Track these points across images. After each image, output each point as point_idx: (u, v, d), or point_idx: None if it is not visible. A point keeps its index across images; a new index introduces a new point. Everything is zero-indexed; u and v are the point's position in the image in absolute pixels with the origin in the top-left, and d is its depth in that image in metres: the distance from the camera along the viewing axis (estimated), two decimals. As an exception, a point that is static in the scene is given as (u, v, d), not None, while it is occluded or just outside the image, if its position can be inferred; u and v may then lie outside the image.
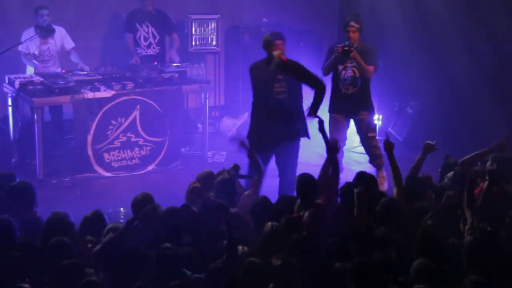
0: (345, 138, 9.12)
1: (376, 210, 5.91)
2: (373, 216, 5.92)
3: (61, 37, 9.66)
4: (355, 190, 5.95)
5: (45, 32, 9.50)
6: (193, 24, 10.83)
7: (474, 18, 9.92)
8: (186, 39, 10.84)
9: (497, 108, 9.73)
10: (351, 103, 8.79)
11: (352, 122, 9.07)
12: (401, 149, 10.33)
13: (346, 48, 8.56)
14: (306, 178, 6.37)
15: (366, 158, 9.69)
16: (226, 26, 11.34)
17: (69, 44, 9.73)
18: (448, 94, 10.38)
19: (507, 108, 9.63)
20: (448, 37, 10.31)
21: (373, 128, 9.01)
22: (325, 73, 8.85)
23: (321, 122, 6.62)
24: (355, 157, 10.06)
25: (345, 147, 10.11)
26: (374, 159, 9.09)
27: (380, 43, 10.27)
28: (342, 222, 5.79)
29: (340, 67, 8.76)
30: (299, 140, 7.87)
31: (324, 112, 9.06)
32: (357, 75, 8.72)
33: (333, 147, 6.67)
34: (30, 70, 9.66)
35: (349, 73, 8.75)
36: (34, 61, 9.59)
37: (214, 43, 10.93)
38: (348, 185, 6.30)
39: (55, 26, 9.55)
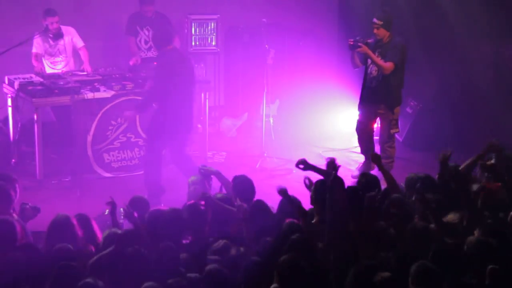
0: (372, 129, 9.25)
1: (383, 209, 5.89)
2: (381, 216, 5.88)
3: (71, 37, 9.76)
4: (366, 194, 5.89)
5: (53, 38, 9.62)
6: (193, 24, 10.81)
7: (474, 19, 9.92)
8: (186, 39, 10.84)
9: (497, 107, 9.74)
10: (373, 96, 8.92)
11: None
12: (401, 149, 10.42)
13: (351, 43, 8.68)
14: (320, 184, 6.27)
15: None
16: (226, 26, 11.34)
17: (79, 43, 9.82)
18: (448, 95, 10.42)
19: (507, 108, 9.61)
20: (448, 37, 10.33)
21: (394, 124, 9.07)
22: (353, 67, 9.10)
23: (304, 162, 6.48)
24: (354, 157, 10.08)
25: (343, 147, 10.15)
26: (383, 157, 9.01)
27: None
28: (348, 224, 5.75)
29: (369, 61, 8.87)
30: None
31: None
32: (380, 71, 8.80)
33: (330, 165, 6.53)
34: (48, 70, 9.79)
35: (373, 68, 8.87)
36: (45, 62, 9.69)
37: (213, 43, 10.91)
38: (353, 188, 6.24)
39: (64, 27, 9.67)
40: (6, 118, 9.43)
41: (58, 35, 9.63)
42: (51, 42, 9.65)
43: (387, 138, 9.07)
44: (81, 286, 4.90)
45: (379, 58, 8.70)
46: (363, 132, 9.20)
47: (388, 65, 8.67)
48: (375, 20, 8.72)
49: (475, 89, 10.04)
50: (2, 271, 5.14)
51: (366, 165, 9.19)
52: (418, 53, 10.47)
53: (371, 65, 8.84)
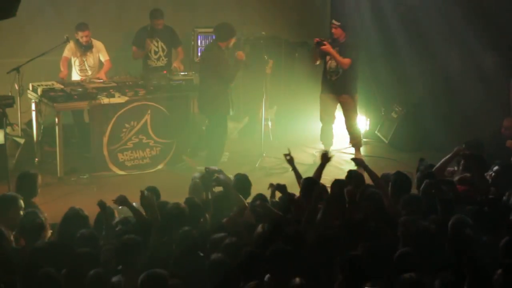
0: (333, 116, 9.72)
1: (362, 203, 5.86)
2: (361, 210, 5.85)
3: (98, 51, 9.83)
4: (345, 188, 5.93)
5: (84, 49, 9.69)
6: (199, 36, 10.86)
7: (454, 32, 9.91)
8: (192, 51, 10.84)
9: (472, 112, 9.73)
10: (334, 88, 9.44)
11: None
12: (387, 150, 10.44)
13: (318, 41, 9.25)
14: (310, 181, 6.33)
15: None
16: (229, 38, 11.36)
17: (104, 57, 9.89)
18: (429, 101, 10.36)
19: (481, 112, 9.62)
20: (430, 48, 10.29)
21: (353, 109, 9.53)
22: (312, 62, 9.69)
23: (290, 158, 6.78)
24: (345, 158, 10.03)
25: (335, 148, 10.17)
26: (352, 138, 9.61)
27: (367, 52, 10.27)
28: (331, 214, 5.73)
29: (327, 58, 9.37)
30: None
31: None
32: (339, 65, 9.26)
33: (324, 157, 6.70)
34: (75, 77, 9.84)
35: (333, 63, 9.36)
36: (74, 67, 9.75)
37: (217, 54, 10.95)
38: (337, 182, 6.28)
39: (95, 40, 9.75)
40: (30, 121, 9.41)
41: (88, 47, 9.69)
42: (81, 51, 9.69)
43: (352, 121, 9.53)
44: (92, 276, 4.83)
45: (338, 55, 9.19)
46: (327, 121, 9.63)
47: (346, 61, 9.20)
48: (333, 21, 9.34)
49: (453, 96, 10.00)
50: (32, 259, 5.13)
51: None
52: (403, 62, 10.48)
53: (330, 61, 9.32)
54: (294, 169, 6.85)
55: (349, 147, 10.08)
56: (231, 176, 6.82)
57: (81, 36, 9.58)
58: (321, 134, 9.82)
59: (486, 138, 8.69)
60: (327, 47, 9.19)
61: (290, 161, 6.86)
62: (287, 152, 6.93)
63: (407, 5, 10.50)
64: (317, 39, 9.26)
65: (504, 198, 6.05)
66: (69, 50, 9.68)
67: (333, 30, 9.31)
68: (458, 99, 9.97)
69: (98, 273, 4.82)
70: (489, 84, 9.70)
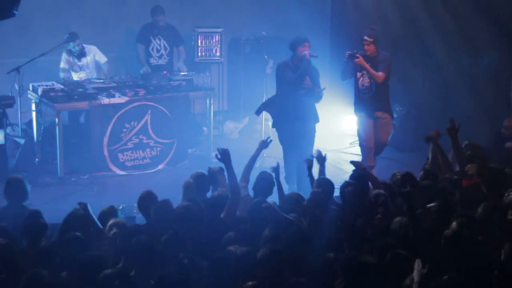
0: (372, 136, 8.85)
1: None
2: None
3: (93, 55, 9.84)
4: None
5: (77, 57, 9.72)
6: (199, 36, 10.88)
7: (456, 30, 9.92)
8: (193, 50, 10.87)
9: (470, 112, 9.74)
10: (368, 106, 8.71)
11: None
12: (387, 150, 10.37)
13: (350, 53, 8.52)
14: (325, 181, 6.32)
15: (357, 159, 9.63)
16: (229, 38, 11.36)
17: (102, 59, 9.90)
18: (428, 101, 10.37)
19: (479, 112, 9.61)
20: (430, 48, 10.29)
21: (387, 129, 8.87)
22: (342, 78, 8.87)
23: (309, 167, 6.79)
24: (346, 158, 9.85)
25: (336, 148, 10.15)
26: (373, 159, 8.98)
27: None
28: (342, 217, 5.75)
29: (358, 74, 8.69)
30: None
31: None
32: (372, 82, 8.64)
33: (320, 158, 6.78)
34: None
35: (365, 80, 8.69)
36: (73, 75, 9.78)
37: (218, 54, 10.96)
38: (346, 183, 6.29)
39: (87, 46, 9.75)
40: (31, 121, 9.39)
41: (82, 55, 9.73)
42: (76, 60, 9.74)
43: (383, 141, 8.85)
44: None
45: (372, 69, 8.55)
46: (368, 142, 8.83)
47: (381, 75, 8.52)
48: (366, 37, 8.57)
49: (452, 96, 10.03)
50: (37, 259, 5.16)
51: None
52: (403, 63, 10.43)
53: (362, 78, 8.67)
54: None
55: (350, 146, 10.03)
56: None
57: (73, 46, 9.62)
58: (363, 158, 8.88)
59: (486, 139, 8.72)
60: (360, 60, 8.48)
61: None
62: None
63: (407, 4, 10.48)
64: (349, 52, 8.54)
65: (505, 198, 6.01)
66: (64, 62, 9.74)
67: (366, 47, 8.57)
68: (455, 99, 9.98)
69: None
70: (489, 84, 9.70)
